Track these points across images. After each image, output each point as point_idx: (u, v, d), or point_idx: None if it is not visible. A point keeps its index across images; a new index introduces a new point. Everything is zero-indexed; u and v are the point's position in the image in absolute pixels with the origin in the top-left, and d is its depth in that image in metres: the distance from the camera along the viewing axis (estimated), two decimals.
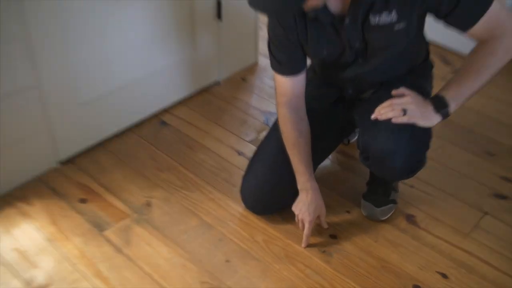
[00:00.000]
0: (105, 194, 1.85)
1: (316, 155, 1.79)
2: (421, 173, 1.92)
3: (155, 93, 2.18)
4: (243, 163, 1.92)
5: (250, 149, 2.02)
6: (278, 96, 1.66)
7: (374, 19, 1.45)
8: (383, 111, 1.46)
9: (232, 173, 1.96)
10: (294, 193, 1.71)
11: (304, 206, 1.65)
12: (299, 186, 1.66)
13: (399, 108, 1.46)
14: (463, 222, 1.79)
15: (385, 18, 1.44)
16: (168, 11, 2.06)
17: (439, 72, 2.47)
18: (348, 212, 1.82)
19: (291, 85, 1.62)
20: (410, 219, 1.80)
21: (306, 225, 1.65)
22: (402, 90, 1.49)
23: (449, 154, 2.08)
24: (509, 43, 1.43)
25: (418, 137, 1.53)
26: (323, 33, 1.52)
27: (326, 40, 1.53)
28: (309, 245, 1.69)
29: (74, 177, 1.92)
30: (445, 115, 1.47)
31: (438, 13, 1.45)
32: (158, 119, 2.21)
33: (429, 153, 1.93)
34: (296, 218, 1.69)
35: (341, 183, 1.93)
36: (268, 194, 1.70)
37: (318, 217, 1.69)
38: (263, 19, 1.67)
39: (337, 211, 1.82)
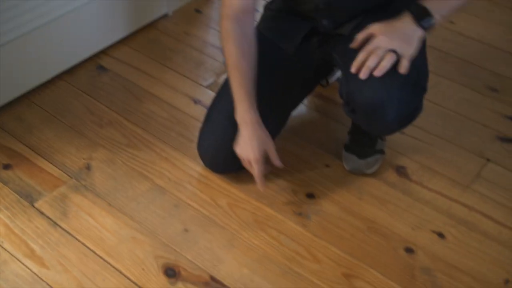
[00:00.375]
0: (34, 158, 1.85)
1: (289, 101, 1.81)
2: None
3: (88, 32, 2.16)
4: (201, 113, 1.92)
5: (208, 96, 2.03)
6: (224, 7, 1.66)
7: None
8: (363, 68, 1.50)
9: (188, 126, 1.97)
10: None
11: (245, 143, 1.66)
12: (238, 119, 1.66)
13: (378, 54, 1.48)
14: (462, 172, 1.84)
15: None
16: None
17: None
18: (327, 166, 1.85)
19: None
20: (400, 171, 1.84)
21: (254, 165, 1.66)
22: (367, 31, 1.52)
23: (445, 92, 2.11)
24: None
25: (413, 79, 1.55)
26: None
27: None
28: (282, 207, 1.72)
29: None
30: (428, 26, 1.51)
31: None
32: (94, 63, 2.19)
33: None
34: (242, 161, 1.71)
35: (319, 132, 1.96)
36: (230, 149, 1.71)
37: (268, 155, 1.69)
38: None
39: (314, 165, 1.85)
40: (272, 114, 1.73)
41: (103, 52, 2.23)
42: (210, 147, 1.74)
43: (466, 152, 1.90)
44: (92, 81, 2.12)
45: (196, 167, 1.83)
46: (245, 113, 1.65)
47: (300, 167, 1.84)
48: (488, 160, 1.87)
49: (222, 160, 1.75)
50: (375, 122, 1.61)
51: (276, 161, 1.69)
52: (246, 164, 1.69)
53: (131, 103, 2.04)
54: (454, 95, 2.11)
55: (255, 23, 1.71)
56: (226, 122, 1.71)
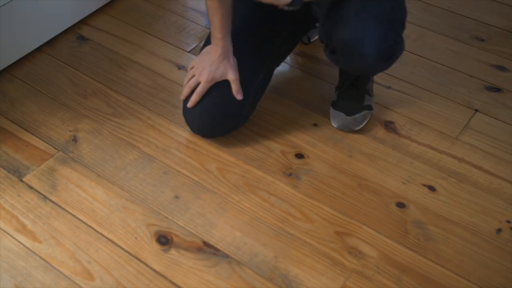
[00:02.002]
0: (19, 132, 1.84)
1: (269, 59, 1.81)
2: (399, 70, 1.98)
3: (67, 2, 2.13)
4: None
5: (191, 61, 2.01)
6: None
7: None
8: None
9: (172, 92, 1.96)
10: (249, 107, 1.75)
11: (208, 62, 1.71)
12: (212, 40, 1.71)
13: None
14: (451, 124, 1.84)
15: None
16: None
17: None
18: (315, 125, 1.85)
19: None
20: (389, 126, 1.84)
21: (202, 84, 1.70)
22: None
23: (431, 44, 2.11)
24: None
25: (389, 13, 1.57)
26: None
27: None
28: (271, 168, 1.72)
29: None
30: None
31: None
32: (74, 33, 2.17)
33: (407, 45, 1.96)
34: (189, 70, 1.75)
35: (304, 91, 1.95)
36: (215, 114, 1.71)
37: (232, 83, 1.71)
38: None
39: (302, 125, 1.85)
40: (255, 69, 1.74)
41: (83, 22, 2.21)
42: (196, 113, 1.74)
43: (454, 103, 1.90)
44: (73, 52, 2.11)
45: (183, 133, 1.83)
46: (219, 40, 1.69)
47: (288, 127, 1.84)
48: (476, 110, 1.88)
49: (209, 125, 1.75)
50: (355, 58, 1.62)
51: (238, 94, 1.71)
52: (189, 74, 1.75)
53: (114, 72, 2.03)
54: (439, 46, 2.10)
55: None
56: (209, 86, 1.71)
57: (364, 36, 1.55)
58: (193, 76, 1.74)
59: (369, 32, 1.55)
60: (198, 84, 1.72)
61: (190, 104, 1.73)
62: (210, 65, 1.70)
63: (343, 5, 1.59)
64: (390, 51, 1.63)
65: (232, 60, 1.72)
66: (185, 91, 1.75)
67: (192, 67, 1.76)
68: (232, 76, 1.70)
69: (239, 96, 1.71)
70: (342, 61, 1.69)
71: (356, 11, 1.55)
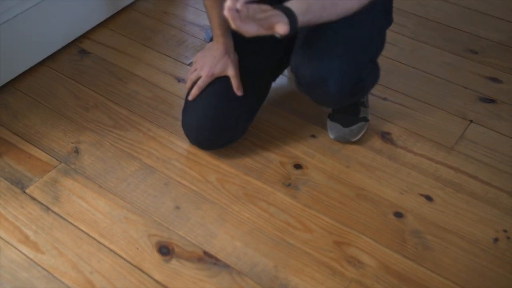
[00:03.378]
0: (22, 144, 1.83)
1: (267, 71, 1.81)
2: (395, 82, 1.97)
3: (69, 16, 2.13)
4: (184, 91, 1.89)
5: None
6: None
7: None
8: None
9: (172, 104, 1.95)
10: (245, 121, 1.75)
11: (209, 58, 1.71)
12: (213, 37, 1.73)
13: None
14: (446, 134, 1.83)
15: None
16: None
17: None
18: (313, 136, 1.84)
19: None
20: (386, 137, 1.83)
21: (202, 79, 1.71)
22: None
23: (426, 56, 2.11)
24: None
25: (355, 50, 1.56)
26: None
27: None
28: (271, 179, 1.71)
29: None
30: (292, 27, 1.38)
31: None
32: (76, 47, 2.16)
33: (403, 58, 1.96)
34: (192, 65, 1.76)
35: (302, 102, 1.94)
36: (213, 127, 1.71)
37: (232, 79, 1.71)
38: None
39: (300, 136, 1.84)
40: (251, 86, 1.73)
41: (84, 36, 2.20)
42: (193, 125, 1.73)
43: (449, 115, 1.89)
44: (75, 65, 2.10)
45: (183, 145, 1.81)
46: (219, 37, 1.70)
47: (286, 139, 1.83)
48: (471, 121, 1.87)
49: (207, 137, 1.74)
50: (321, 95, 1.63)
51: (238, 90, 1.71)
52: (192, 68, 1.75)
53: (115, 85, 2.02)
54: (434, 59, 2.10)
55: None
56: (207, 101, 1.70)
57: (328, 75, 1.54)
58: (195, 70, 1.74)
59: (333, 71, 1.54)
60: (199, 78, 1.72)
61: (190, 97, 1.73)
62: (211, 61, 1.71)
63: (312, 38, 1.57)
64: (355, 88, 1.62)
65: (233, 56, 1.72)
66: (188, 84, 1.76)
67: (195, 62, 1.77)
68: (232, 72, 1.70)
69: (239, 93, 1.70)
70: (309, 95, 1.67)
71: (323, 48, 1.54)
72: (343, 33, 1.56)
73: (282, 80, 2.01)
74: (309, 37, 1.60)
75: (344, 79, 1.56)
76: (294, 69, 1.62)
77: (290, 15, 1.35)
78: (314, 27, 1.54)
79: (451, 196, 1.67)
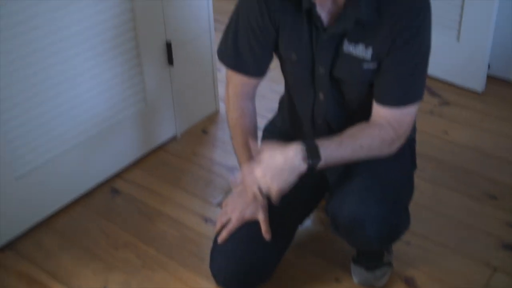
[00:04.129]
0: (52, 283, 1.84)
1: (294, 216, 1.83)
2: (417, 227, 1.98)
3: (103, 157, 2.20)
4: (212, 231, 1.92)
5: (218, 214, 2.03)
6: (230, 86, 1.75)
7: (348, 47, 1.53)
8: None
9: (199, 245, 1.97)
10: (273, 266, 1.75)
11: (240, 202, 1.72)
12: (242, 175, 1.68)
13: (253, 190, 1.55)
14: (470, 282, 1.82)
15: (360, 50, 1.52)
16: (112, 61, 2.09)
17: (426, 105, 2.56)
18: (337, 279, 1.84)
19: (245, 84, 1.72)
20: (410, 282, 1.83)
21: (233, 222, 1.71)
22: None
23: (446, 201, 2.12)
24: (393, 145, 1.56)
25: (392, 196, 1.59)
26: (296, 33, 1.58)
27: (297, 41, 1.59)
28: None
29: (14, 266, 1.90)
30: (312, 167, 1.50)
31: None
32: (108, 186, 2.22)
33: (424, 202, 1.98)
34: (222, 208, 1.77)
35: (327, 245, 1.96)
36: (242, 271, 1.71)
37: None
38: (220, 63, 1.73)
39: (323, 279, 1.84)
40: (279, 230, 1.74)
41: (117, 175, 2.26)
42: (222, 268, 1.73)
43: (472, 261, 1.88)
44: (107, 204, 2.14)
45: (210, 286, 1.82)
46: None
47: (310, 282, 1.83)
48: (495, 269, 1.85)
49: (235, 280, 1.74)
50: (358, 239, 1.63)
51: (266, 234, 1.70)
52: (222, 212, 1.76)
53: (144, 224, 2.05)
54: (454, 203, 2.11)
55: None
56: (235, 246, 1.72)
57: (366, 218, 1.55)
58: (225, 213, 1.75)
59: (372, 216, 1.55)
60: (229, 220, 1.73)
61: (219, 240, 1.72)
62: (241, 205, 1.72)
63: (349, 182, 1.59)
64: (392, 233, 1.64)
65: (265, 199, 1.71)
66: (217, 226, 1.76)
67: (226, 205, 1.78)
68: (261, 216, 1.70)
69: (267, 236, 1.70)
70: (346, 239, 1.68)
71: (360, 191, 1.56)
72: (378, 177, 1.59)
73: (306, 222, 2.03)
74: (343, 181, 1.62)
75: (382, 223, 1.57)
76: (331, 213, 1.62)
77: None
78: (346, 170, 1.58)
79: None
